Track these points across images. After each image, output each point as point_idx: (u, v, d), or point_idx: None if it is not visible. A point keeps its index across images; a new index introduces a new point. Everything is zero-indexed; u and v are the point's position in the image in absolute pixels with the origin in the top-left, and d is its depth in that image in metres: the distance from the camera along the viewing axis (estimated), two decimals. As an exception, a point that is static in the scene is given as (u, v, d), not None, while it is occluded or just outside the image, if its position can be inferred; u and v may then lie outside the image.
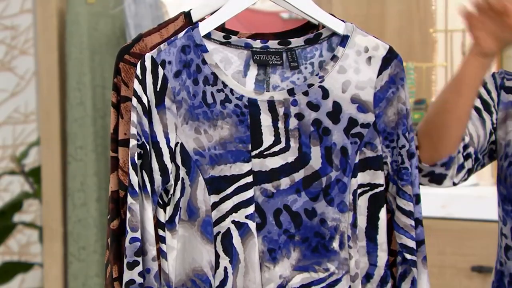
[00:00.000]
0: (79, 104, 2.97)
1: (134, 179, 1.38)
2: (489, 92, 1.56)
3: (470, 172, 1.55)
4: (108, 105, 3.00)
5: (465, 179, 1.55)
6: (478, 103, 1.55)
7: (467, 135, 1.53)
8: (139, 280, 1.38)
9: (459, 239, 2.42)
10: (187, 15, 1.45)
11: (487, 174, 2.79)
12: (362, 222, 1.43)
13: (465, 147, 1.53)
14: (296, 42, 1.42)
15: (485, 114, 1.55)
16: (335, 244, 1.41)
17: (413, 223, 1.41)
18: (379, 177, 1.42)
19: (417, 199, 1.42)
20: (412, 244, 1.41)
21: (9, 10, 3.67)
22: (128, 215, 1.38)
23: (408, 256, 1.42)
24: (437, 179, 1.53)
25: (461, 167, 1.53)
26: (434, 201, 2.45)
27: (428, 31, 2.83)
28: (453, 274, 2.43)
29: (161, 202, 1.41)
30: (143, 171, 1.39)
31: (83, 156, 2.97)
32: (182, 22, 1.45)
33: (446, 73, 2.82)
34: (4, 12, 3.67)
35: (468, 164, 1.53)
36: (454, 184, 1.53)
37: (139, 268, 1.38)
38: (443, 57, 2.83)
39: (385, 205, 1.43)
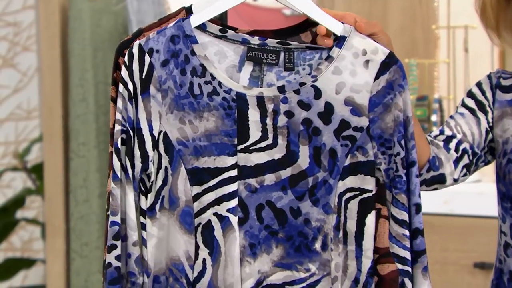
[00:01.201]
0: (81, 101, 2.97)
1: (116, 164, 1.39)
2: (483, 92, 1.57)
3: (469, 167, 1.55)
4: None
5: (465, 175, 1.55)
6: (472, 104, 1.57)
7: (459, 133, 1.54)
8: (116, 263, 1.39)
9: (462, 236, 2.43)
10: (188, 10, 1.45)
11: (489, 170, 2.79)
12: (352, 226, 1.41)
13: (458, 143, 1.54)
14: (296, 43, 1.41)
15: (479, 114, 1.56)
16: (317, 245, 1.41)
17: (406, 232, 1.39)
18: (368, 183, 1.40)
19: (417, 209, 1.40)
20: (404, 254, 1.39)
21: (11, 6, 3.68)
22: (110, 199, 1.39)
23: (399, 266, 1.40)
24: (436, 181, 1.54)
25: (456, 163, 1.53)
26: (436, 197, 2.46)
27: (430, 28, 2.83)
28: (455, 271, 2.44)
29: (143, 189, 1.41)
30: (126, 156, 1.39)
31: (86, 152, 2.98)
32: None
33: (448, 70, 2.83)
34: (7, 9, 3.68)
35: (465, 159, 1.54)
36: (455, 180, 1.53)
37: (117, 251, 1.39)
38: (446, 53, 2.84)
39: (373, 212, 1.41)
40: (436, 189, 1.55)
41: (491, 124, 1.56)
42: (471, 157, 1.54)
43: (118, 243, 1.39)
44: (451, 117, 1.58)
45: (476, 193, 2.47)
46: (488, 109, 1.56)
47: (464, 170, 1.54)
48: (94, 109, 2.98)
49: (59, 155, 3.00)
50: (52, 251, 3.02)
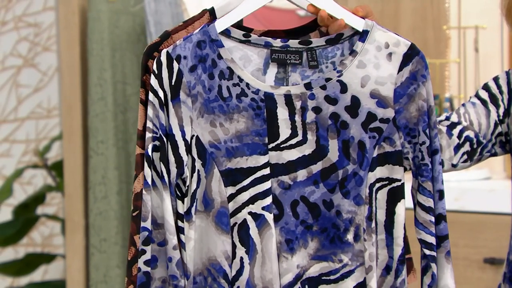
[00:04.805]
0: (100, 99, 2.95)
1: (147, 171, 1.41)
2: (499, 87, 1.58)
3: (471, 155, 1.55)
4: (128, 101, 2.98)
5: (466, 161, 1.55)
6: (485, 96, 1.57)
7: (466, 120, 1.55)
8: (144, 268, 1.41)
9: (472, 232, 2.42)
10: (211, 12, 1.47)
11: (499, 168, 2.81)
12: (381, 215, 1.44)
13: (462, 130, 1.54)
14: (317, 42, 1.43)
15: (490, 106, 1.56)
16: (349, 236, 1.43)
17: (432, 219, 1.42)
18: (397, 172, 1.43)
19: (440, 195, 1.43)
20: (431, 239, 1.42)
21: (32, 7, 3.68)
22: (141, 205, 1.42)
23: (427, 252, 1.42)
24: None
25: (457, 149, 1.54)
26: (447, 194, 2.39)
27: (441, 28, 2.82)
28: (466, 266, 2.43)
29: (179, 194, 1.43)
30: (161, 162, 1.41)
31: (104, 150, 2.95)
32: (207, 20, 1.47)
33: (459, 69, 2.82)
34: (28, 10, 3.69)
35: (466, 147, 1.54)
36: (454, 165, 1.54)
37: (146, 256, 1.41)
38: (456, 53, 2.82)
39: (402, 200, 1.44)
40: None
41: (501, 118, 1.56)
42: (475, 146, 1.55)
43: (147, 248, 1.41)
44: (462, 104, 1.58)
45: (487, 190, 2.46)
46: (501, 103, 1.56)
47: (465, 157, 1.54)
48: (113, 108, 2.95)
49: (78, 152, 2.98)
50: (72, 246, 3.01)
